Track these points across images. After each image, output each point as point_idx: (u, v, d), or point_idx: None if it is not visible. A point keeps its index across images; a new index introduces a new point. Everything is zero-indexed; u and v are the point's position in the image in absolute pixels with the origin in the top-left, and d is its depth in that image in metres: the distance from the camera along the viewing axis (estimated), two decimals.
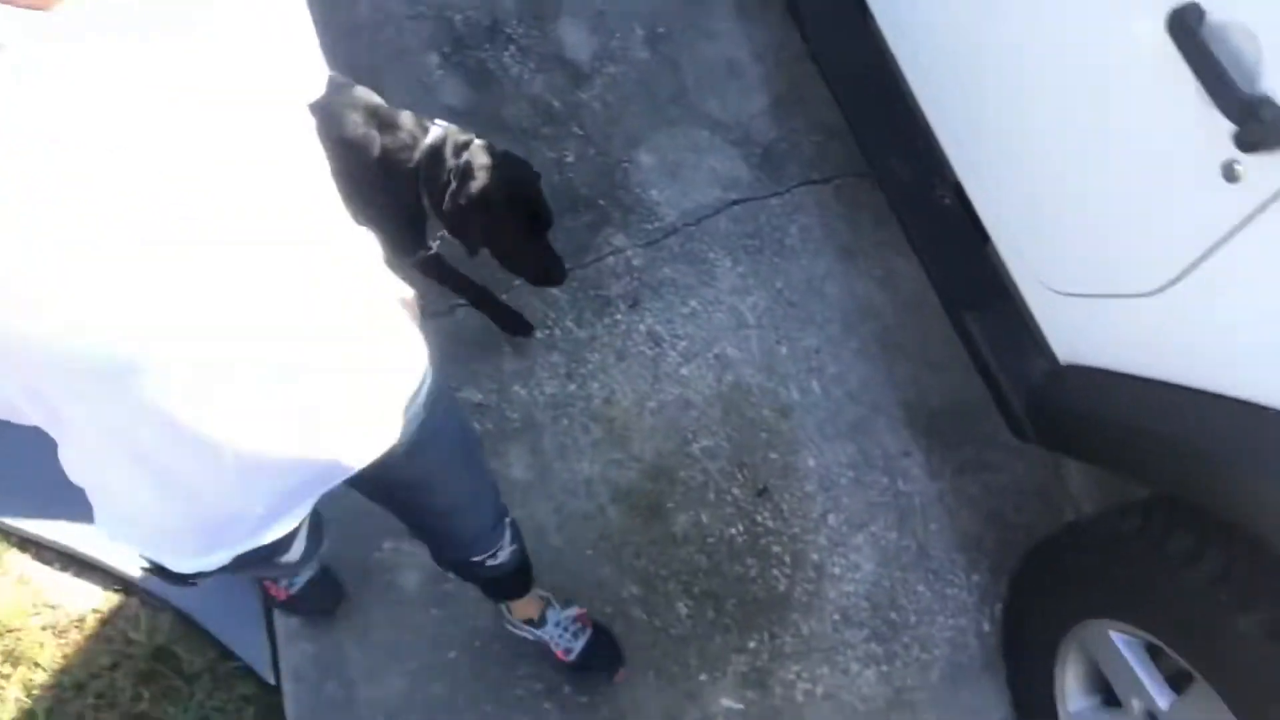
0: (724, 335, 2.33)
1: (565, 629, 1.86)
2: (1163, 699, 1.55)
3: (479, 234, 1.80)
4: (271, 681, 1.89)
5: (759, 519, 2.12)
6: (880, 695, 1.97)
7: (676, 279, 2.38)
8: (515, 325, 2.15)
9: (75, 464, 0.96)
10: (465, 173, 1.74)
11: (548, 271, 1.89)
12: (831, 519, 2.14)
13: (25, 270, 0.66)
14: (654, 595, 2.02)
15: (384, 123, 1.79)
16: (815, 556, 2.09)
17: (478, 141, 1.80)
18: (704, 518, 2.11)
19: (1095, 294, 1.61)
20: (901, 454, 2.23)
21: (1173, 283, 1.45)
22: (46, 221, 0.66)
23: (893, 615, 2.05)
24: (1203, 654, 1.43)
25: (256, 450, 0.93)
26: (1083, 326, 1.68)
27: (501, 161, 1.79)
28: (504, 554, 1.56)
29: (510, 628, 1.88)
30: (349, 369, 1.00)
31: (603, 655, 1.90)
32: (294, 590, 1.85)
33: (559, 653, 1.87)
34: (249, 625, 1.93)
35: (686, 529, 2.09)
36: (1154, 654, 1.60)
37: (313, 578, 1.87)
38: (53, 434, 0.89)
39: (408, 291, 1.20)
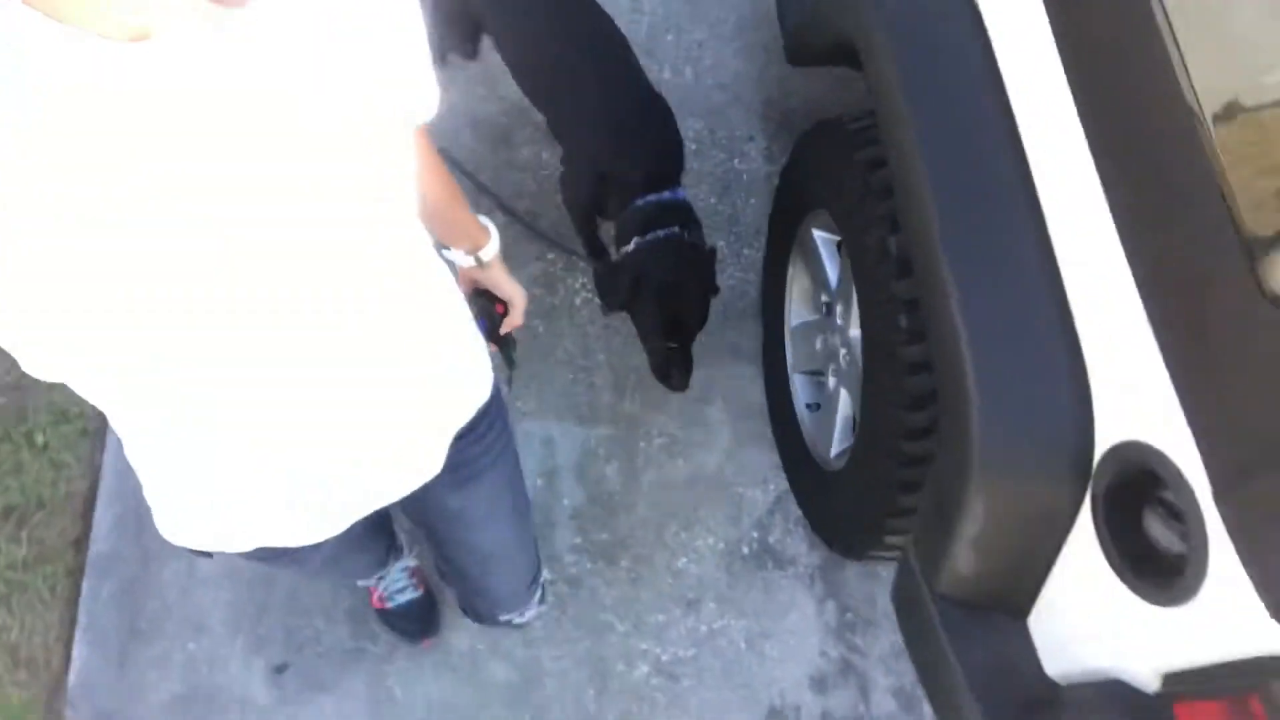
0: (617, 16, 2.49)
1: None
2: (833, 272, 1.71)
3: (620, 298, 1.74)
4: None
5: None
6: None
7: None
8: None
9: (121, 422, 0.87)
10: (642, 252, 1.67)
11: (669, 373, 1.76)
12: None
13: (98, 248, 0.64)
14: (479, 201, 2.27)
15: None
16: None
17: (677, 232, 1.72)
18: (544, 155, 2.33)
19: None
20: (746, 138, 2.37)
21: None
22: (137, 210, 0.64)
23: None
24: (844, 215, 1.58)
25: (288, 463, 0.89)
26: None
27: (682, 259, 1.70)
28: (530, 613, 1.50)
29: None
30: (406, 398, 0.93)
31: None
32: (390, 604, 1.83)
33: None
34: None
35: (528, 159, 2.32)
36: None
37: (414, 599, 1.84)
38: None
39: (518, 297, 1.25)
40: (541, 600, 1.51)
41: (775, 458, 2.08)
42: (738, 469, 2.08)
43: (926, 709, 1.93)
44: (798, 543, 2.03)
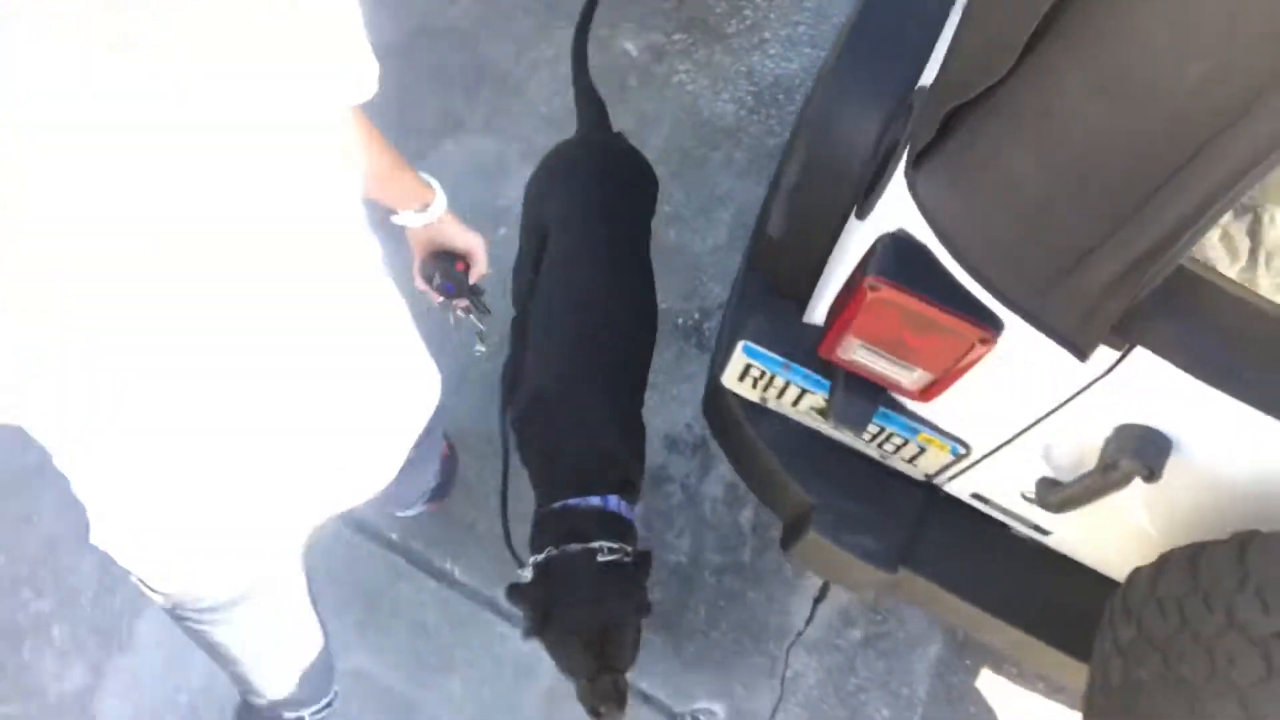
0: None
1: None
2: None
3: (531, 628, 1.48)
4: None
5: None
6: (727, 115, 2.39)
7: None
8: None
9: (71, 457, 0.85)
10: (550, 574, 1.46)
11: (597, 711, 1.47)
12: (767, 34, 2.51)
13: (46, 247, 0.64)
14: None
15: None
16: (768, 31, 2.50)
17: (594, 550, 1.46)
18: None
19: None
20: None
21: None
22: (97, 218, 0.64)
23: (780, 97, 2.43)
24: None
25: (249, 488, 0.91)
26: None
27: (601, 585, 1.46)
28: (414, 510, 1.77)
29: None
30: (362, 423, 0.98)
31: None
32: None
33: None
34: None
35: None
36: None
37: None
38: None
39: (476, 245, 1.22)
40: (429, 500, 1.77)
41: None
42: (715, 263, 2.26)
43: (747, 512, 2.05)
44: None
